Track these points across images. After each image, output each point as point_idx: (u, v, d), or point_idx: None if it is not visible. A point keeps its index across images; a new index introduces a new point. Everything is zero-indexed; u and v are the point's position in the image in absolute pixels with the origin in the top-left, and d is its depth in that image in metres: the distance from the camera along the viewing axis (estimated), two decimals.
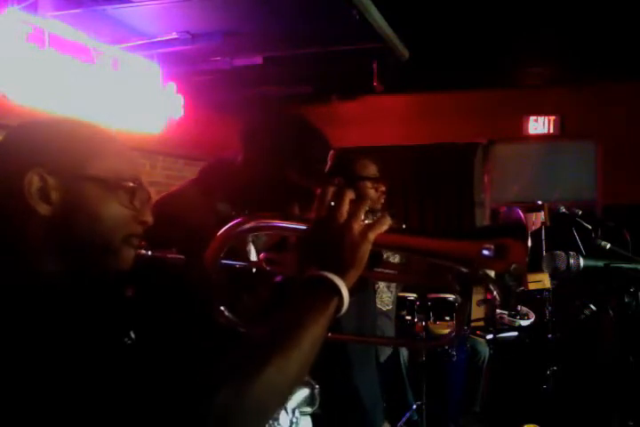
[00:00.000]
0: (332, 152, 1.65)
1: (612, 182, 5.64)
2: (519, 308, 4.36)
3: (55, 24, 3.39)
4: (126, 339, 0.93)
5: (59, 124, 0.98)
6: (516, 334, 4.32)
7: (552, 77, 5.65)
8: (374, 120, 6.14)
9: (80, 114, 3.48)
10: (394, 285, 3.40)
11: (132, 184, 0.94)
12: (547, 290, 3.82)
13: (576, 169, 5.89)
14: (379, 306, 3.25)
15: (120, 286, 1.01)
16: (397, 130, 6.13)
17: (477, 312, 4.42)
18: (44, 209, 0.89)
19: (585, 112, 5.69)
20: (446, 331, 3.97)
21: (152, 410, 0.75)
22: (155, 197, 1.02)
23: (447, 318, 4.11)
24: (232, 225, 1.03)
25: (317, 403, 1.63)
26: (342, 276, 0.91)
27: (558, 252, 1.75)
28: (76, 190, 0.91)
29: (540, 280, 3.36)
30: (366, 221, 0.95)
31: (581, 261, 1.72)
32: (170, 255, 1.03)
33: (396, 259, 2.63)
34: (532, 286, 3.37)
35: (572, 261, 1.72)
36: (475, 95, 5.90)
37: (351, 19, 3.45)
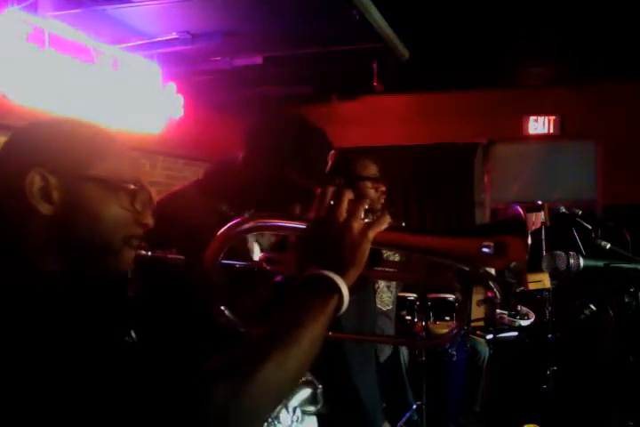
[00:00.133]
0: (332, 152, 1.65)
1: (612, 182, 5.65)
2: (519, 308, 4.36)
3: (55, 24, 3.39)
4: (127, 338, 0.93)
5: (60, 124, 0.98)
6: (515, 334, 4.32)
7: (552, 77, 5.65)
8: (374, 120, 6.14)
9: (80, 114, 3.49)
10: (394, 285, 3.40)
11: (133, 186, 0.94)
12: (547, 290, 3.81)
13: (576, 169, 5.89)
14: (379, 306, 3.25)
15: (121, 286, 1.01)
16: (397, 130, 6.13)
17: (477, 312, 4.42)
18: (45, 209, 0.89)
19: (585, 112, 5.70)
20: (446, 331, 3.96)
21: (152, 409, 0.75)
22: (155, 197, 1.02)
23: (447, 318, 4.11)
24: (232, 225, 1.03)
25: (320, 403, 1.63)
26: (342, 275, 0.91)
27: (558, 252, 1.75)
28: (77, 190, 0.91)
29: (540, 280, 3.36)
30: (366, 220, 0.95)
31: (581, 261, 1.72)
32: (170, 256, 1.03)
33: (396, 257, 2.63)
34: (532, 286, 3.36)
35: (572, 261, 1.72)
36: (475, 95, 5.90)
37: (351, 19, 3.45)
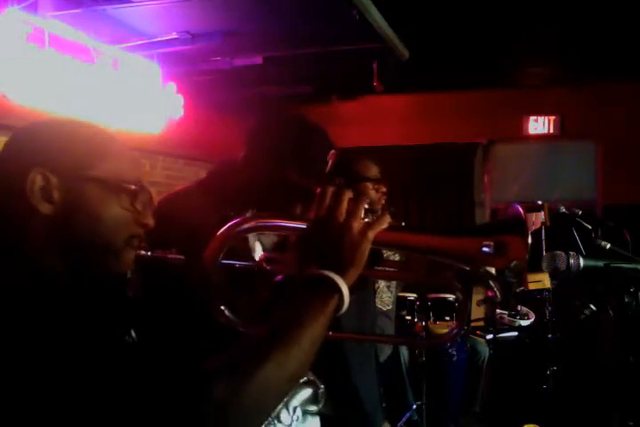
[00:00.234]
0: (332, 152, 1.65)
1: (612, 182, 5.65)
2: (519, 308, 4.36)
3: (55, 24, 3.39)
4: (127, 338, 0.93)
5: (61, 124, 0.98)
6: (515, 334, 4.32)
7: (552, 77, 5.65)
8: (374, 120, 6.14)
9: (80, 114, 3.49)
10: (394, 285, 3.40)
11: (133, 186, 0.94)
12: (547, 290, 3.81)
13: (576, 169, 5.89)
14: (379, 306, 3.25)
15: (121, 286, 1.01)
16: (397, 130, 6.13)
17: (477, 312, 4.42)
18: (45, 208, 0.89)
19: (585, 112, 5.70)
20: (446, 331, 3.96)
21: (152, 408, 0.75)
22: (155, 197, 1.02)
23: (447, 318, 4.11)
24: (231, 225, 1.03)
25: (322, 402, 1.63)
26: (342, 274, 0.91)
27: (558, 252, 1.75)
28: (78, 190, 0.91)
29: (540, 280, 3.36)
30: (366, 220, 0.95)
31: (581, 261, 1.72)
32: (169, 256, 1.03)
33: (396, 257, 2.63)
34: (532, 286, 3.37)
35: (572, 261, 1.72)
36: (475, 95, 5.91)
37: (351, 19, 3.45)
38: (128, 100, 4.01)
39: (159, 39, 3.96)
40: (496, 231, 1.01)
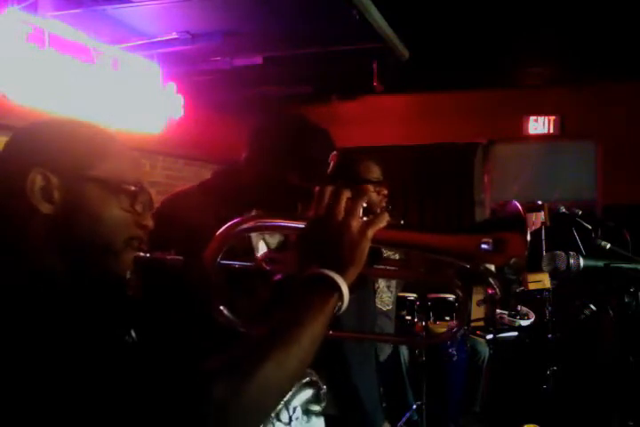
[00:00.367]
0: (334, 153, 1.64)
1: (612, 182, 5.65)
2: (519, 308, 4.36)
3: (55, 24, 3.39)
4: (127, 338, 0.93)
5: (61, 124, 0.98)
6: (515, 334, 4.32)
7: (552, 77, 5.65)
8: (374, 120, 6.14)
9: (80, 114, 3.49)
10: (394, 285, 3.39)
11: (133, 188, 0.94)
12: (547, 290, 3.81)
13: (576, 169, 5.89)
14: (379, 306, 3.25)
15: (121, 286, 1.01)
16: (397, 130, 6.13)
17: (477, 312, 4.42)
18: (46, 208, 0.89)
19: (585, 112, 5.70)
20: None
21: (152, 409, 0.75)
22: (155, 197, 1.02)
23: (447, 318, 4.11)
24: (230, 224, 1.03)
25: (324, 402, 1.63)
26: (342, 273, 0.91)
27: (558, 252, 1.75)
28: (78, 191, 0.91)
29: (540, 280, 3.36)
30: (364, 219, 0.95)
31: (581, 261, 1.72)
32: (168, 257, 1.03)
33: (396, 257, 2.62)
34: (532, 286, 3.37)
35: (572, 261, 1.72)
36: (475, 95, 5.91)
37: (351, 19, 3.45)
38: (128, 100, 4.01)
39: (159, 39, 3.96)
40: (495, 228, 1.01)
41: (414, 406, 3.69)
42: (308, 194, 0.99)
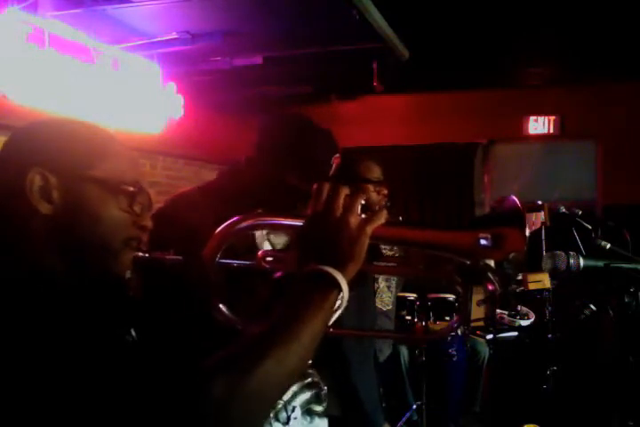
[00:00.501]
0: (337, 155, 1.64)
1: (612, 182, 5.65)
2: (519, 308, 4.36)
3: (55, 24, 3.39)
4: (127, 337, 0.93)
5: (60, 124, 0.98)
6: (516, 334, 4.32)
7: (552, 77, 5.65)
8: (374, 120, 6.14)
9: (80, 114, 3.49)
10: (394, 285, 3.40)
11: (132, 188, 0.94)
12: (547, 290, 3.81)
13: (576, 169, 5.89)
14: (379, 306, 3.25)
15: (121, 286, 1.01)
16: (397, 130, 6.13)
17: (477, 312, 4.42)
18: (45, 208, 0.89)
19: (585, 112, 5.70)
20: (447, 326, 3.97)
21: (152, 406, 0.75)
22: (155, 197, 1.02)
23: (447, 318, 4.10)
24: (229, 223, 1.03)
25: (325, 402, 1.63)
26: (341, 270, 0.91)
27: (558, 252, 1.75)
28: (77, 191, 0.91)
29: (540, 280, 3.35)
30: (363, 216, 0.95)
31: (581, 261, 1.72)
32: (167, 257, 1.03)
33: (396, 255, 2.62)
34: (532, 286, 3.36)
35: (572, 261, 1.72)
36: (475, 95, 5.91)
37: (351, 19, 3.45)
38: (128, 100, 4.01)
39: (159, 39, 3.96)
40: (493, 223, 1.00)
41: (414, 406, 3.70)
42: (308, 194, 0.99)
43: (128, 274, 0.98)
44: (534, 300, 4.14)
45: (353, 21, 3.48)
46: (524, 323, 4.29)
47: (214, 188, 1.61)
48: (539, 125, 5.90)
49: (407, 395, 3.88)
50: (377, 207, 2.66)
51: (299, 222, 0.99)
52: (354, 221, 0.93)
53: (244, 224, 1.03)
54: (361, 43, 4.09)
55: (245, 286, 1.24)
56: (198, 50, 4.13)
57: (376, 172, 2.69)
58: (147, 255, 0.99)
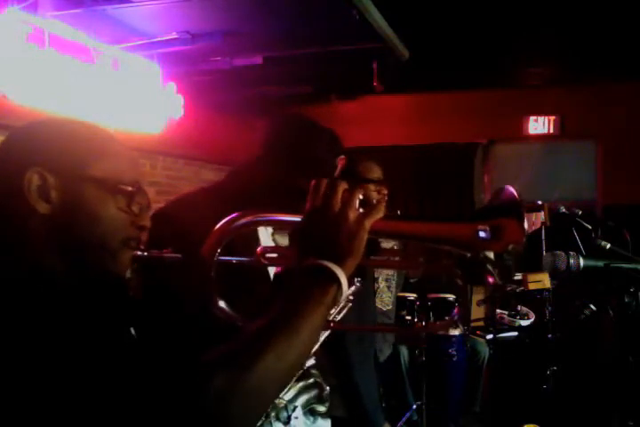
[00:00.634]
0: (342, 157, 1.64)
1: (612, 182, 5.65)
2: (519, 308, 4.36)
3: (55, 24, 3.38)
4: (127, 335, 0.93)
5: (60, 124, 0.98)
6: (515, 334, 4.32)
7: (552, 77, 5.65)
8: (374, 120, 6.14)
9: (80, 114, 3.49)
10: (394, 285, 3.40)
11: (130, 188, 0.94)
12: (547, 290, 3.81)
13: (576, 169, 5.89)
14: (379, 306, 3.26)
15: (121, 285, 1.01)
16: (397, 130, 6.13)
17: (477, 312, 4.42)
18: (43, 208, 0.89)
19: (585, 112, 5.70)
20: (446, 330, 3.97)
21: (152, 402, 0.75)
22: (154, 197, 1.02)
23: (447, 318, 4.11)
24: (228, 220, 1.03)
25: (328, 402, 1.63)
26: (340, 264, 0.91)
27: (558, 252, 1.75)
28: (75, 190, 0.91)
29: (540, 280, 3.35)
30: (361, 210, 0.95)
31: (581, 261, 1.72)
32: (166, 255, 1.03)
33: (394, 246, 2.62)
34: (531, 286, 3.36)
35: (572, 261, 1.72)
36: (475, 95, 5.91)
37: (351, 19, 3.45)
38: (128, 100, 4.01)
39: (159, 39, 3.96)
40: (492, 215, 1.00)
41: (414, 406, 3.70)
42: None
43: (128, 274, 0.98)
44: (534, 300, 4.14)
45: (353, 21, 3.48)
46: (524, 323, 4.29)
47: (218, 189, 1.62)
48: (539, 125, 5.90)
49: (407, 395, 3.88)
50: (374, 201, 2.67)
51: (298, 218, 0.99)
52: (352, 215, 0.94)
53: (242, 221, 1.03)
54: (361, 43, 4.09)
55: (245, 282, 1.24)
56: (198, 50, 4.13)
57: (376, 172, 2.69)
58: (145, 253, 0.99)
